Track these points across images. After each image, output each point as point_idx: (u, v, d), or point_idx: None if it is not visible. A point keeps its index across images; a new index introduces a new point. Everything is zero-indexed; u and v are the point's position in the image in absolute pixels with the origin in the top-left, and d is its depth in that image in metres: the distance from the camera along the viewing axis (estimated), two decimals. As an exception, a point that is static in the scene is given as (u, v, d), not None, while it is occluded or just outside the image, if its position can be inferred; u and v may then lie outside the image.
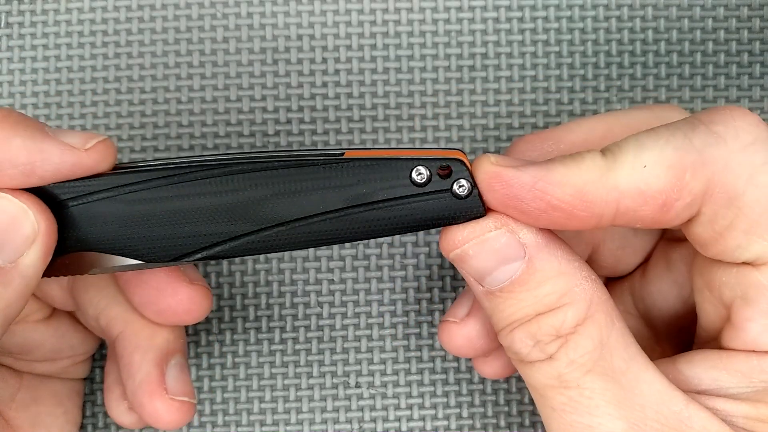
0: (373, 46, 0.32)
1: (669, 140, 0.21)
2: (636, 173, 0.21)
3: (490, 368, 0.28)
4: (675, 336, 0.26)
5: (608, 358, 0.22)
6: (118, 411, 0.28)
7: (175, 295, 0.26)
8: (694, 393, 0.22)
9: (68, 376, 0.30)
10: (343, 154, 0.23)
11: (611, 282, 0.28)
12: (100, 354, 0.32)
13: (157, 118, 0.32)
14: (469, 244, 0.22)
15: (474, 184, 0.22)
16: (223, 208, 0.23)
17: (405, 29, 0.32)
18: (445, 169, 0.22)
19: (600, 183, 0.21)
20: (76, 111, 0.32)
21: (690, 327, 0.25)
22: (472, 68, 0.32)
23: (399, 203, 0.22)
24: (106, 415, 0.32)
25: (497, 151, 0.32)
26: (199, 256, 0.23)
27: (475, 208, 0.22)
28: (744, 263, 0.22)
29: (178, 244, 0.23)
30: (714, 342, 0.23)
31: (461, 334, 0.26)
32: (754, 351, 0.22)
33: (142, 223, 0.23)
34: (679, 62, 0.32)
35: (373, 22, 0.32)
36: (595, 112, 0.32)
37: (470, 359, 0.32)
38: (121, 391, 0.28)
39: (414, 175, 0.22)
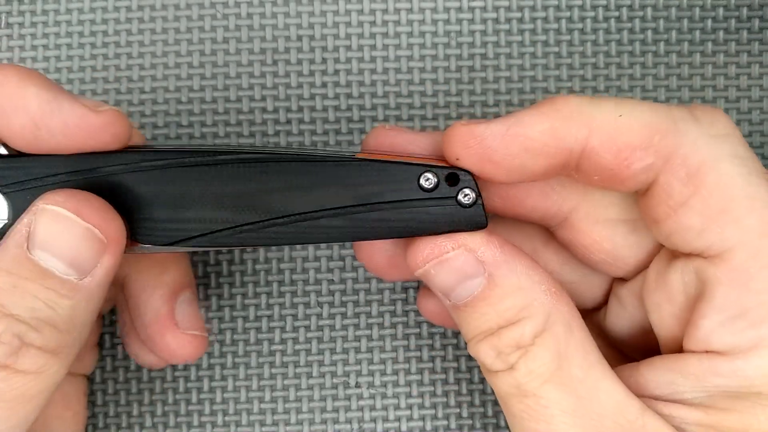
0: (373, 47, 0.32)
1: (649, 106, 0.22)
2: (611, 118, 0.22)
3: (426, 308, 0.29)
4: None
5: (566, 368, 0.22)
6: (142, 352, 0.29)
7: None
8: (651, 399, 0.23)
9: (76, 370, 0.30)
10: (353, 155, 0.23)
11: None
12: (101, 355, 0.32)
13: (157, 119, 0.32)
14: (429, 264, 0.23)
15: (479, 194, 0.23)
16: (229, 197, 0.23)
17: (405, 30, 0.32)
18: (452, 177, 0.23)
19: (574, 117, 0.22)
20: (76, 111, 0.32)
21: (657, 351, 0.25)
22: (471, 68, 0.32)
23: (405, 206, 0.23)
24: (106, 415, 0.32)
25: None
26: (198, 242, 0.23)
27: (477, 217, 0.23)
28: (697, 254, 0.22)
29: (178, 228, 0.23)
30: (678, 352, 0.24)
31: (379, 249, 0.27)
32: (706, 352, 0.22)
33: (145, 203, 0.23)
34: (678, 62, 0.32)
35: (373, 23, 0.32)
36: (595, 113, 0.32)
37: (471, 362, 0.32)
38: (137, 332, 0.28)
39: (422, 180, 0.23)
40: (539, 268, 0.23)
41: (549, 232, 0.27)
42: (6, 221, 0.23)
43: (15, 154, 0.23)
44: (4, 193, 0.23)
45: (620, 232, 0.25)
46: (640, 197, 0.23)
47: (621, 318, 0.27)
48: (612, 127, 0.22)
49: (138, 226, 0.23)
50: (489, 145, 0.22)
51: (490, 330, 0.23)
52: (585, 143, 0.22)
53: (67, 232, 0.21)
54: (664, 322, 0.24)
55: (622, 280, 0.27)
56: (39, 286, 0.21)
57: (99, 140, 0.22)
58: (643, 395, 0.23)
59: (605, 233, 0.25)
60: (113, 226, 0.22)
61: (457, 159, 0.23)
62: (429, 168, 0.23)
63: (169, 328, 0.27)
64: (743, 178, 0.21)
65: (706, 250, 0.22)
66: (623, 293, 0.27)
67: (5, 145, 0.23)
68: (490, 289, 0.22)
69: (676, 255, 0.24)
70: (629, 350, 0.27)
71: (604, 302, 0.28)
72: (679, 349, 0.23)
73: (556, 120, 0.22)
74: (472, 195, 0.23)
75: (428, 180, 0.23)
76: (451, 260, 0.23)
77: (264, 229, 0.23)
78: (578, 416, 0.22)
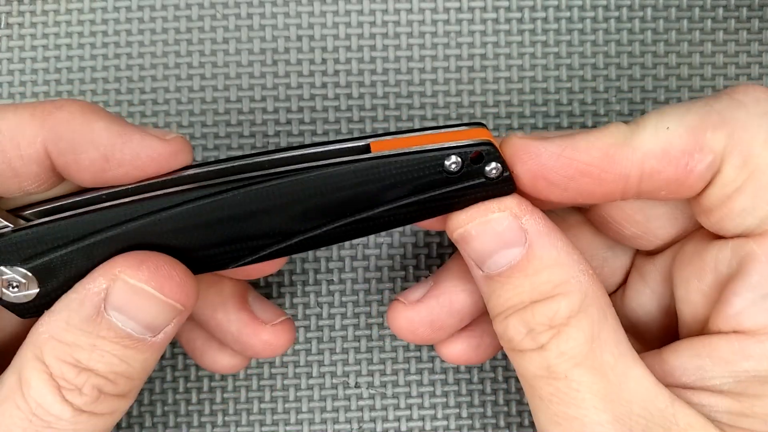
0: (373, 47, 0.32)
1: (690, 107, 0.22)
2: (659, 134, 0.22)
3: (449, 352, 0.28)
4: (663, 344, 0.27)
5: (598, 353, 0.22)
6: (225, 359, 0.29)
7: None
8: (678, 387, 0.22)
9: None
10: (368, 145, 0.23)
11: None
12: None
13: (157, 119, 0.32)
14: (473, 224, 0.23)
15: (505, 166, 0.22)
16: (251, 219, 0.22)
17: (405, 30, 0.32)
18: (477, 153, 0.22)
19: (625, 145, 0.22)
20: (76, 111, 0.32)
21: (676, 334, 0.25)
22: (471, 69, 0.32)
23: (435, 192, 0.23)
24: (106, 415, 0.32)
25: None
26: (235, 264, 0.23)
27: (507, 188, 0.23)
28: (741, 235, 0.22)
29: (211, 256, 0.23)
30: (700, 334, 0.23)
31: (406, 316, 0.27)
32: (735, 332, 0.22)
33: (174, 242, 0.23)
34: (677, 63, 0.32)
35: (373, 23, 0.32)
36: (594, 113, 0.32)
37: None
38: (217, 344, 0.29)
39: (447, 164, 0.22)
40: (576, 248, 0.23)
41: (568, 220, 0.27)
42: (37, 290, 0.23)
43: (22, 227, 0.22)
44: (27, 268, 0.22)
45: (653, 203, 0.25)
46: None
47: (641, 295, 0.27)
48: (664, 142, 0.22)
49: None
50: (544, 163, 0.22)
51: (521, 303, 0.22)
52: (641, 166, 0.22)
53: (147, 304, 0.22)
54: (691, 298, 0.24)
55: (648, 255, 0.27)
56: (116, 345, 0.22)
57: (169, 168, 0.22)
58: (669, 384, 0.22)
59: (638, 205, 0.25)
60: (192, 296, 0.23)
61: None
62: (451, 150, 0.22)
63: (260, 327, 0.27)
64: None
65: (753, 230, 0.22)
66: (648, 269, 0.26)
67: (6, 218, 0.22)
68: (529, 260, 0.22)
69: (717, 237, 0.23)
70: (645, 332, 0.27)
71: (622, 283, 0.28)
72: (700, 330, 0.23)
73: (611, 147, 0.22)
74: (499, 167, 0.22)
75: (454, 163, 0.22)
76: (494, 222, 0.22)
77: (296, 242, 0.23)
78: (609, 401, 0.21)
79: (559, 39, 0.32)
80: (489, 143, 0.22)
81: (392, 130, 0.32)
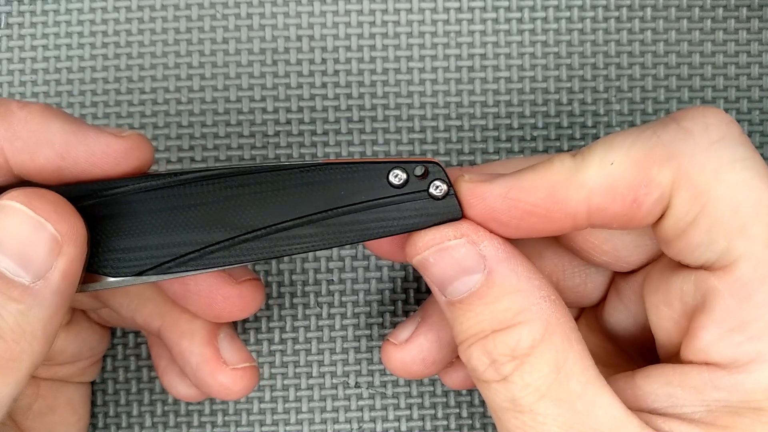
0: (373, 47, 0.32)
1: (637, 137, 0.21)
2: (604, 170, 0.21)
3: (451, 380, 0.28)
4: (643, 357, 0.26)
5: (564, 382, 0.21)
6: (182, 388, 0.29)
7: (227, 299, 0.26)
8: (649, 413, 0.22)
9: (83, 379, 0.30)
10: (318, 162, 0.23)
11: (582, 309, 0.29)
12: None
13: (157, 119, 0.32)
14: (429, 251, 0.22)
15: (450, 185, 0.22)
16: (194, 216, 0.22)
17: (404, 30, 0.32)
18: (422, 171, 0.22)
19: (569, 183, 0.21)
20: (76, 111, 0.32)
21: (653, 348, 0.25)
22: (471, 69, 0.32)
23: (377, 205, 0.22)
24: (106, 415, 0.32)
25: (496, 152, 0.32)
26: (166, 268, 0.22)
27: (451, 208, 0.22)
28: (703, 267, 0.22)
29: (144, 256, 0.22)
30: (675, 358, 0.23)
31: (397, 357, 0.27)
32: (706, 364, 0.21)
33: (107, 233, 0.22)
34: (677, 62, 0.32)
35: (373, 23, 0.32)
36: (594, 113, 0.32)
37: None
38: (178, 369, 0.28)
39: (391, 177, 0.22)
40: (539, 273, 0.22)
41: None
42: None
43: None
44: None
45: (618, 233, 0.25)
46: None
47: (618, 312, 0.27)
48: (608, 178, 0.21)
49: (101, 258, 0.22)
50: (491, 206, 0.22)
51: (483, 332, 0.22)
52: (588, 203, 0.21)
53: (17, 226, 0.20)
54: (662, 324, 0.24)
55: (623, 274, 0.26)
56: None
57: (126, 165, 0.22)
58: (640, 408, 0.22)
59: (603, 236, 0.25)
60: (68, 221, 0.21)
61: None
62: (397, 164, 0.22)
63: (219, 367, 0.27)
64: (746, 184, 0.21)
65: (713, 263, 0.21)
66: (623, 287, 0.26)
67: None
68: (488, 286, 0.22)
69: (681, 265, 0.23)
70: (625, 345, 0.27)
71: (605, 295, 0.28)
72: (676, 350, 0.23)
73: (554, 186, 0.21)
74: (444, 186, 0.22)
75: (397, 176, 0.22)
76: (452, 249, 0.22)
77: (235, 247, 0.22)
78: None
79: (559, 39, 0.32)
80: (436, 163, 0.22)
81: (392, 129, 0.32)
